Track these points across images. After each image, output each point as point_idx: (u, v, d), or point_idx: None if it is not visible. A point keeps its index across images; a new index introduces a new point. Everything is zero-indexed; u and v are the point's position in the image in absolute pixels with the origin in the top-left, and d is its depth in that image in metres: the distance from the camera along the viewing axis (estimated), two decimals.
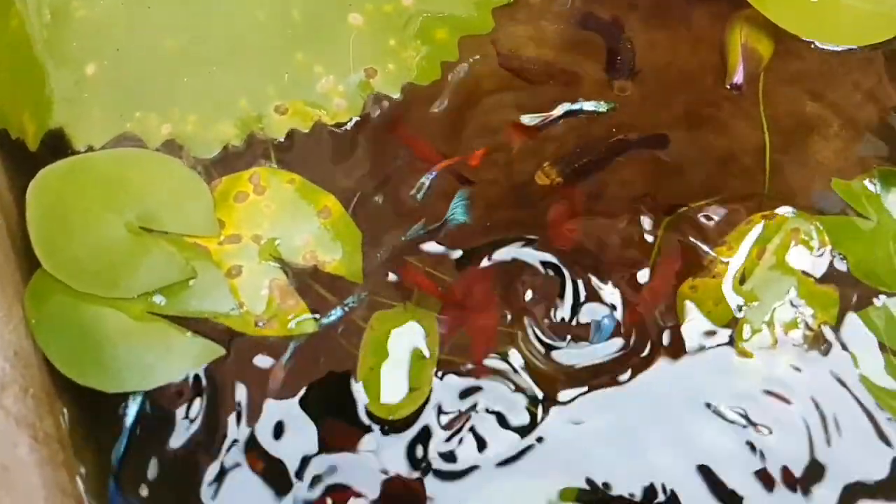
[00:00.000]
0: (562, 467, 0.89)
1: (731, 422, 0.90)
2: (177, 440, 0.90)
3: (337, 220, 0.96)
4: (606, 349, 0.93)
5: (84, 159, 0.96)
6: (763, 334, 0.93)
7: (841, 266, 0.96)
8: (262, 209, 0.96)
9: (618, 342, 0.93)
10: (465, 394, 0.91)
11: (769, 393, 0.92)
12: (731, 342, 0.93)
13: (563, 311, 0.94)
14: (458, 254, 0.96)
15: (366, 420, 0.90)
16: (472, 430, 0.90)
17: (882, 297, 0.94)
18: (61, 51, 1.00)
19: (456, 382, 0.92)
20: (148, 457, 0.90)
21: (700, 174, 1.00)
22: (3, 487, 0.81)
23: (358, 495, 0.88)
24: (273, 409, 0.91)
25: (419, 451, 0.89)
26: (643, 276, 0.95)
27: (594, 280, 0.95)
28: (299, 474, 0.89)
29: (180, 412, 0.91)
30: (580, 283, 0.95)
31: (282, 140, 0.99)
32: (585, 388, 0.91)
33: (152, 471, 0.89)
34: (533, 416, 0.90)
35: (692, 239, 0.97)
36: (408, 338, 0.92)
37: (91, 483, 0.89)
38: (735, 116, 1.02)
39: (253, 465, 0.89)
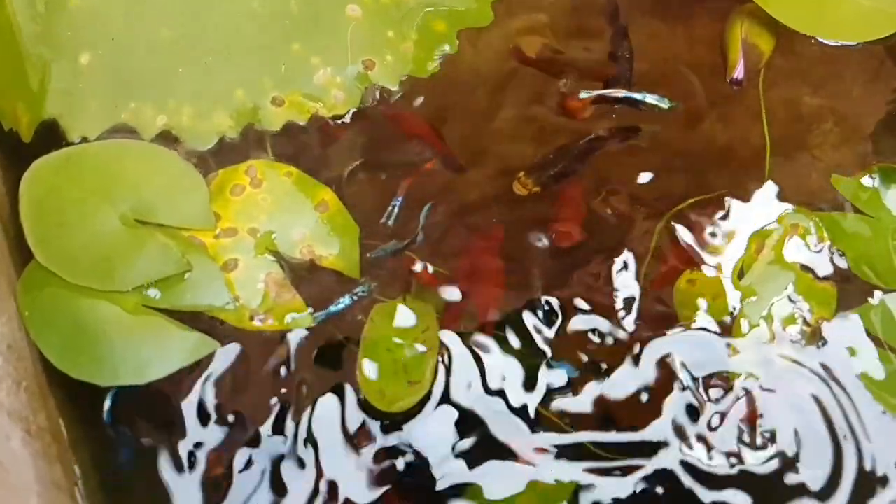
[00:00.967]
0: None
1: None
2: None
3: (334, 213, 0.96)
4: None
5: (78, 151, 0.96)
6: (761, 329, 0.93)
7: (840, 262, 0.96)
8: (258, 202, 0.95)
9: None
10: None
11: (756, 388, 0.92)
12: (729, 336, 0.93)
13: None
14: None
15: (363, 414, 0.90)
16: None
17: (879, 293, 0.94)
18: (55, 41, 0.99)
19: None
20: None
21: (700, 169, 1.00)
22: None
23: None
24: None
25: None
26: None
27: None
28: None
29: None
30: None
31: (278, 132, 0.98)
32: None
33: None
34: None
35: (691, 233, 0.97)
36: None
37: (85, 476, 0.89)
38: (735, 112, 1.02)
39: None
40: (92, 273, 0.91)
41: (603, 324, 0.93)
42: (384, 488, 0.88)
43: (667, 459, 0.90)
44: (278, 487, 0.89)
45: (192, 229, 0.94)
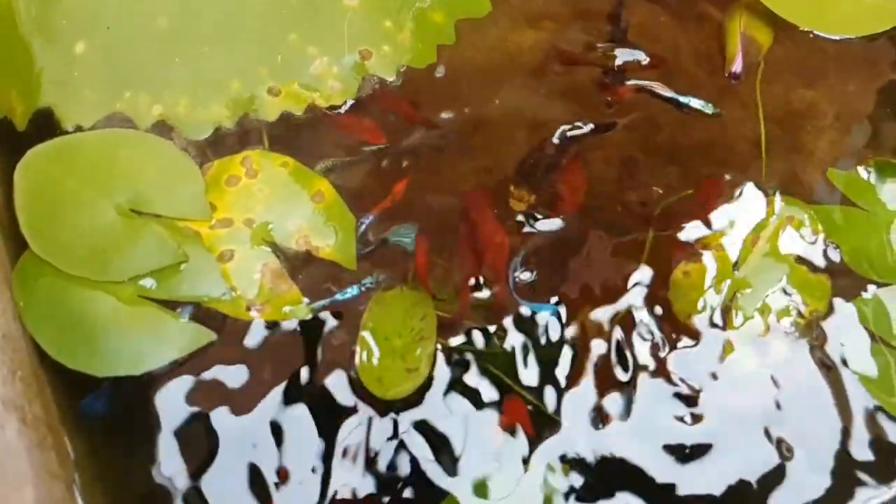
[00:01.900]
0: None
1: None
2: None
3: (330, 204, 0.96)
4: None
5: (73, 140, 0.95)
6: (755, 321, 0.94)
7: (834, 255, 0.96)
8: (254, 193, 0.95)
9: None
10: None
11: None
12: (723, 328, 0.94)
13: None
14: None
15: (362, 403, 0.90)
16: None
17: (873, 286, 0.95)
18: (50, 29, 0.98)
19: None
20: None
21: (696, 161, 1.00)
22: None
23: None
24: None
25: None
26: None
27: None
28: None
29: None
30: None
31: (275, 122, 0.98)
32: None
33: None
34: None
35: (686, 226, 0.97)
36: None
37: (80, 467, 0.89)
38: (733, 105, 1.02)
39: None
40: (87, 263, 0.90)
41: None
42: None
43: None
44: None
45: (188, 220, 0.94)
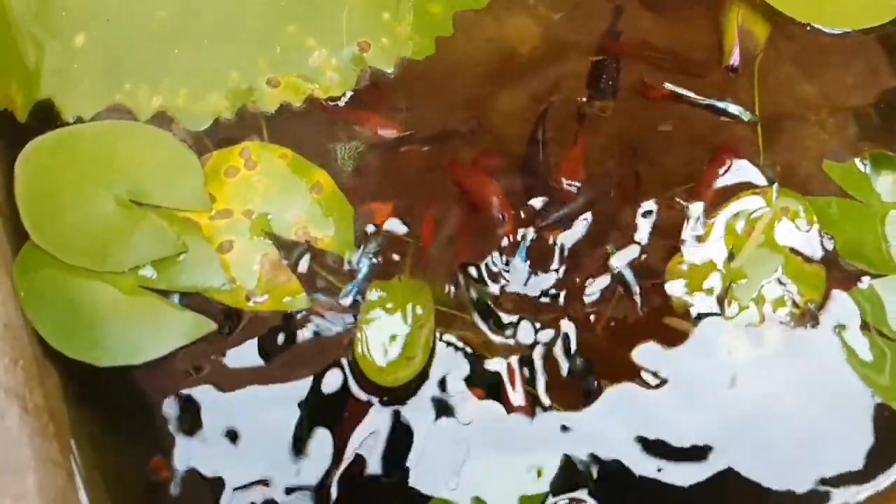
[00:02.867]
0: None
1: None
2: None
3: (329, 195, 0.96)
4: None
5: (73, 132, 0.96)
6: (750, 311, 0.94)
7: (829, 246, 0.96)
8: (253, 184, 0.96)
9: None
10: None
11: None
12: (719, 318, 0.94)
13: None
14: None
15: (362, 392, 0.91)
16: None
17: (867, 277, 0.95)
18: (50, 21, 0.98)
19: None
20: None
21: (693, 154, 1.00)
22: None
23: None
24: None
25: None
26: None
27: None
28: None
29: None
30: None
31: (273, 113, 0.98)
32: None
33: None
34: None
35: (684, 216, 0.97)
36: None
37: (82, 454, 0.89)
38: (730, 98, 1.02)
39: None
40: (88, 254, 0.91)
41: None
42: None
43: None
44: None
45: (188, 210, 0.94)
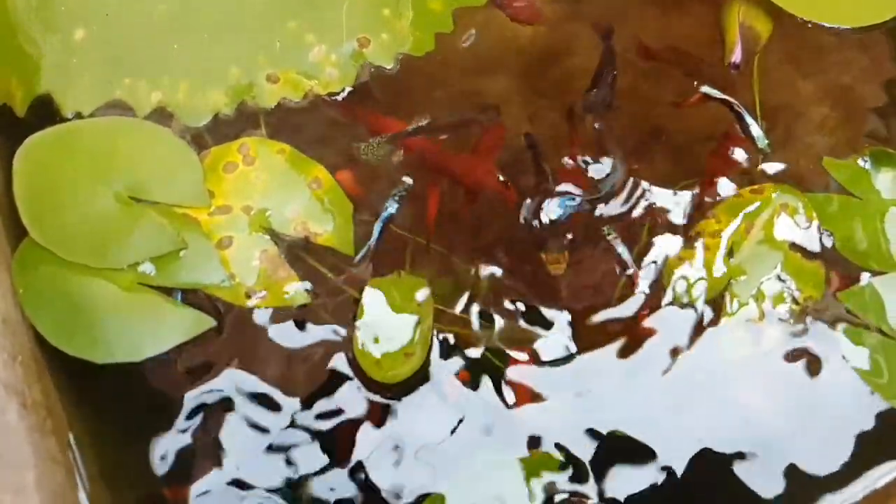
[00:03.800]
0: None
1: None
2: None
3: (328, 190, 0.96)
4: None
5: (72, 127, 0.96)
6: (749, 308, 0.94)
7: (828, 243, 0.96)
8: (251, 180, 0.95)
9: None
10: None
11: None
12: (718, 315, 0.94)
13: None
14: None
15: (360, 385, 0.91)
16: None
17: (867, 274, 0.95)
18: (50, 15, 0.98)
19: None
20: None
21: (694, 150, 1.01)
22: None
23: None
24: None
25: None
26: None
27: None
28: None
29: None
30: None
31: (273, 109, 0.98)
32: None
33: None
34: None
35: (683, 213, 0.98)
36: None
37: (81, 450, 0.89)
38: (731, 94, 1.01)
39: None
40: (86, 250, 0.91)
41: None
42: None
43: None
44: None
45: (187, 207, 0.94)
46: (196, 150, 0.96)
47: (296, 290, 0.93)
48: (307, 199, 0.95)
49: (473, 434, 0.90)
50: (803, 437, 0.90)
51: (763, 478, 0.89)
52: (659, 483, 0.89)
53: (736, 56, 1.02)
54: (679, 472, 0.89)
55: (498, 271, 0.95)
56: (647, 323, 0.94)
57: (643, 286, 0.95)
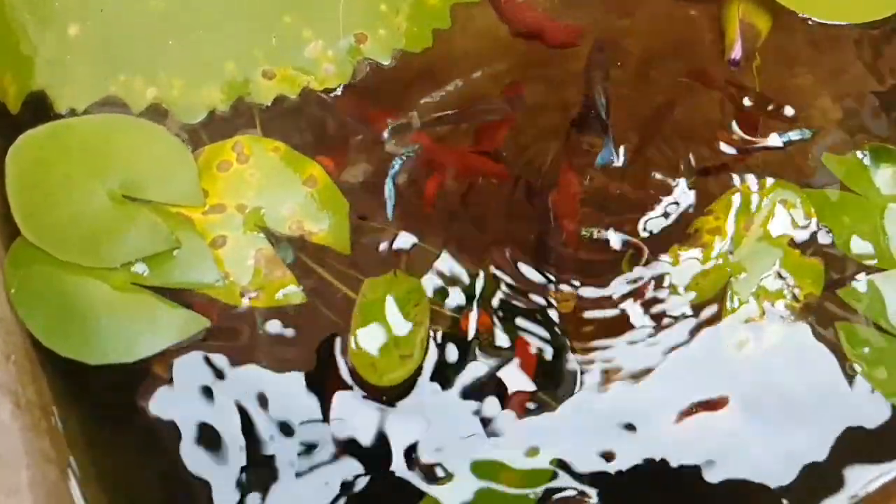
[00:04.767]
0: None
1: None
2: None
3: (323, 188, 0.95)
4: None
5: (66, 124, 0.95)
6: (750, 305, 0.94)
7: (826, 239, 0.96)
8: (246, 178, 0.95)
9: None
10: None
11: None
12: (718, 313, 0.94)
13: None
14: None
15: (360, 392, 0.91)
16: None
17: (866, 271, 0.95)
18: (44, 10, 0.98)
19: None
20: None
21: (693, 146, 1.00)
22: None
23: None
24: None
25: None
26: None
27: None
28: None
29: None
30: None
31: (268, 106, 0.98)
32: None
33: None
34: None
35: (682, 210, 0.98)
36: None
37: (74, 450, 0.89)
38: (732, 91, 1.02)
39: None
40: (79, 249, 0.90)
41: None
42: None
43: None
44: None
45: (181, 206, 0.93)
46: (191, 148, 0.95)
47: (291, 289, 0.92)
48: (302, 197, 0.95)
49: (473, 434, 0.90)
50: (803, 436, 0.90)
51: (763, 477, 0.89)
52: (658, 480, 0.89)
53: (736, 52, 1.01)
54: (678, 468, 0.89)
55: (501, 272, 0.95)
56: (648, 322, 0.94)
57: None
